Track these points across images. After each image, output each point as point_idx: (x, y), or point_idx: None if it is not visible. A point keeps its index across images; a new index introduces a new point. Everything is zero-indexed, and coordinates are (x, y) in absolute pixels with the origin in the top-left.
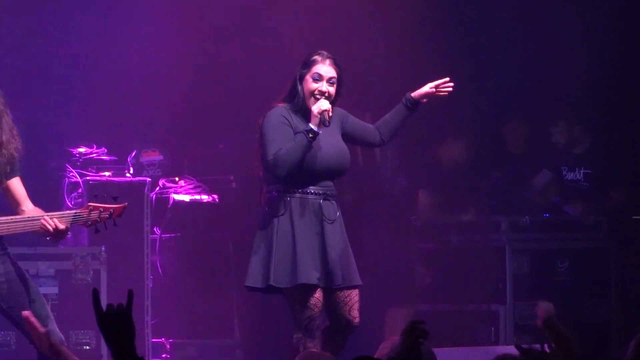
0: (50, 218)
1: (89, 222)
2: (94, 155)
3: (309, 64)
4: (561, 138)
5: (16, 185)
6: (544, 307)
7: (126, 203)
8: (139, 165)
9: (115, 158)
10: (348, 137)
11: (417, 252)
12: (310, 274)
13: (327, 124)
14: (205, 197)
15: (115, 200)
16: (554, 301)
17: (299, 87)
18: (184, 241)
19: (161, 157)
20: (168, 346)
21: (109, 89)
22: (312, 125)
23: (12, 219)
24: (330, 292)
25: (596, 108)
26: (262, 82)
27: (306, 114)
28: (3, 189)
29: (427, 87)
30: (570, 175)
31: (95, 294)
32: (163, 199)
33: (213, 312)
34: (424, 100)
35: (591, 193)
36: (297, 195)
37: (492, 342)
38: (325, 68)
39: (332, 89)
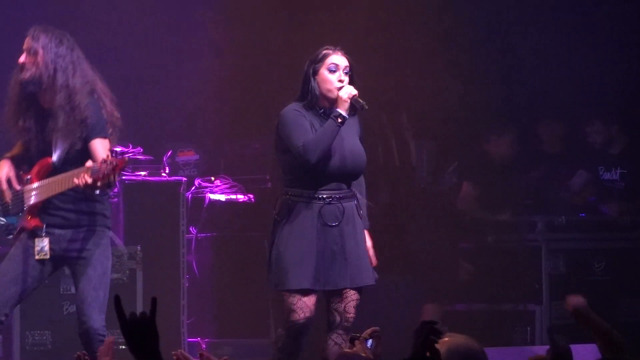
0: (79, 175)
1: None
2: (130, 154)
3: (321, 58)
4: (598, 138)
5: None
6: (575, 299)
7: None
8: (174, 164)
9: (151, 158)
10: None
11: (458, 251)
12: (299, 279)
13: (365, 107)
14: (241, 197)
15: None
16: (590, 301)
17: (313, 83)
18: (219, 241)
19: (197, 157)
20: (204, 345)
21: (145, 88)
22: (340, 110)
23: (48, 181)
24: (328, 292)
25: (633, 108)
26: (299, 81)
27: (320, 112)
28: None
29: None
30: (606, 175)
31: (118, 301)
32: (199, 199)
33: (248, 311)
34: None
35: (627, 193)
36: (301, 199)
37: (528, 343)
38: (339, 58)
39: (346, 79)
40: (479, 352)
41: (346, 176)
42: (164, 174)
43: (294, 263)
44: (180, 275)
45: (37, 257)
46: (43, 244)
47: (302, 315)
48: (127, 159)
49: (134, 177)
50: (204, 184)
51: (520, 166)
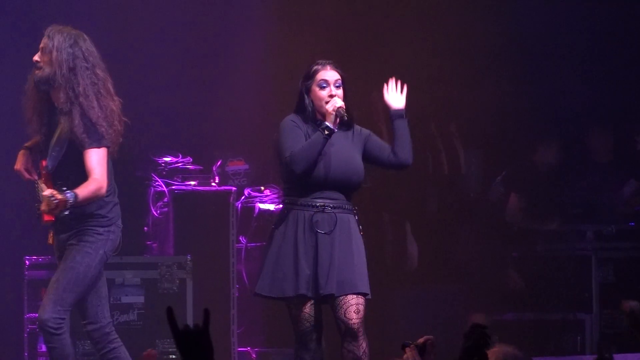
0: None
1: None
2: (180, 164)
3: (311, 75)
4: None
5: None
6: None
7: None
8: (224, 174)
9: (201, 167)
10: (369, 157)
11: (506, 260)
12: (290, 286)
13: (346, 118)
14: None
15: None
16: None
17: (307, 100)
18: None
19: (247, 166)
20: (254, 355)
21: (194, 98)
22: (327, 123)
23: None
24: (327, 301)
25: None
26: (371, 81)
27: (317, 123)
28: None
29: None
30: None
31: (170, 312)
32: (248, 208)
33: None
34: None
35: None
36: (295, 207)
37: (578, 352)
38: (328, 73)
39: (340, 92)
40: None
41: (340, 187)
42: (213, 184)
43: (287, 270)
44: (230, 284)
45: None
46: None
47: (303, 325)
48: (66, 202)
49: (183, 187)
50: (253, 194)
51: (569, 175)
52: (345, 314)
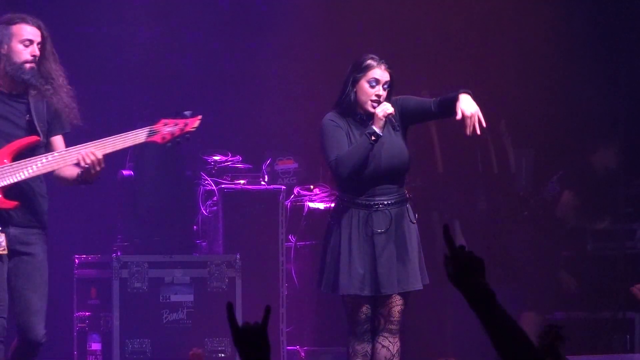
0: (85, 148)
1: (164, 137)
2: (229, 163)
3: (363, 69)
4: None
5: (58, 143)
6: None
7: (200, 115)
8: (273, 173)
9: (250, 166)
10: (412, 117)
11: (556, 259)
12: (350, 285)
13: (396, 127)
14: None
15: (189, 114)
16: None
17: (351, 92)
18: (319, 249)
19: (296, 165)
20: (303, 354)
21: (243, 96)
22: (375, 128)
23: (49, 155)
24: (378, 298)
25: None
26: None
27: (357, 118)
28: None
29: (460, 114)
30: None
31: (230, 308)
32: (298, 207)
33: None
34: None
35: None
36: (351, 205)
37: (627, 350)
38: (380, 72)
39: (384, 94)
40: None
41: (390, 178)
42: (263, 183)
43: (345, 269)
44: (280, 283)
45: None
46: (0, 239)
47: (359, 318)
48: (200, 117)
49: (233, 186)
50: (303, 193)
51: (621, 175)
52: (390, 312)
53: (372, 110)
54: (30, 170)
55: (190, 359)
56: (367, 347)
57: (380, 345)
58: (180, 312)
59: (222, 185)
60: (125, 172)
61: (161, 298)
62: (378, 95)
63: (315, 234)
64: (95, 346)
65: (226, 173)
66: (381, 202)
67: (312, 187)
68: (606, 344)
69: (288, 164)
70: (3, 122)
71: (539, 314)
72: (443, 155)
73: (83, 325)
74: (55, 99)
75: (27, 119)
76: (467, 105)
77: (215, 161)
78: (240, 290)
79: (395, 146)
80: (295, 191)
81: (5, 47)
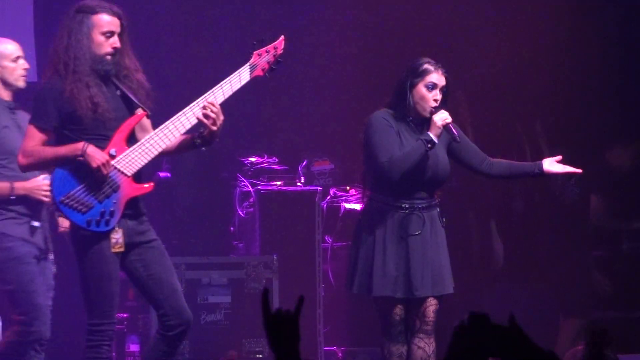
0: (205, 101)
1: (263, 68)
2: (265, 164)
3: (421, 73)
4: None
5: (148, 123)
6: None
7: (283, 35)
8: (309, 174)
9: (286, 167)
10: (452, 153)
11: (591, 259)
12: (383, 286)
13: (453, 138)
14: None
15: (271, 39)
16: None
17: (409, 95)
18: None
19: (332, 166)
20: (340, 354)
21: (279, 99)
22: (432, 135)
23: (163, 127)
24: (411, 299)
25: None
26: (457, 79)
27: (409, 122)
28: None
29: (561, 169)
30: None
31: (266, 294)
32: (334, 208)
33: None
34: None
35: None
36: (386, 207)
37: None
38: (438, 77)
39: (440, 97)
40: None
41: (429, 186)
42: (299, 184)
43: (379, 270)
44: (316, 284)
45: (113, 250)
46: (118, 236)
47: (394, 320)
48: (283, 36)
49: (269, 187)
50: (339, 194)
51: None
52: (424, 312)
53: (428, 116)
54: (159, 148)
55: None
56: (402, 349)
57: (416, 347)
58: (217, 313)
59: (259, 187)
60: (162, 174)
61: (199, 299)
62: (436, 100)
63: (351, 235)
64: (134, 347)
65: (262, 174)
66: (415, 205)
67: (348, 188)
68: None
69: (324, 165)
70: (106, 106)
71: (578, 317)
72: None
73: (121, 326)
74: (135, 83)
75: (119, 94)
76: (557, 168)
77: (252, 163)
78: (277, 291)
79: (440, 159)
80: (331, 192)
81: (85, 37)
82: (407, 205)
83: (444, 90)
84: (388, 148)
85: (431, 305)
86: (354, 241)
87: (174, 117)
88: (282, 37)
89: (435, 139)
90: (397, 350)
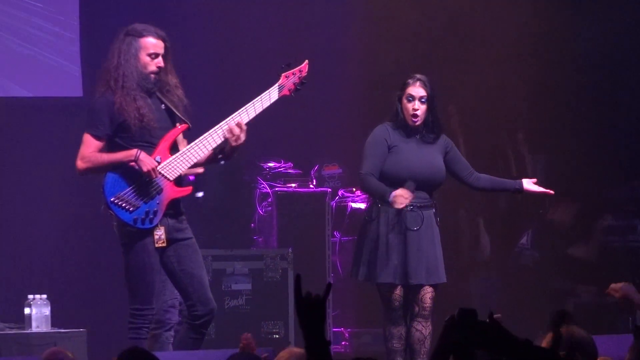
0: (227, 122)
1: (289, 89)
2: (282, 169)
3: (402, 87)
4: None
5: (182, 136)
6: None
7: (307, 60)
8: (321, 177)
9: (300, 171)
10: (445, 163)
11: (566, 254)
12: (386, 274)
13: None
14: None
15: (297, 62)
16: None
17: (399, 107)
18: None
19: (340, 170)
20: (347, 335)
21: (294, 112)
22: (390, 201)
23: (198, 141)
24: (410, 287)
25: None
26: (448, 94)
27: (405, 130)
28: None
29: (537, 189)
30: None
31: (298, 280)
32: (342, 207)
33: None
34: (529, 192)
35: None
36: (385, 206)
37: (630, 331)
38: (415, 89)
39: (423, 107)
40: (589, 340)
41: (425, 187)
42: (311, 186)
43: (382, 260)
44: (327, 273)
45: (157, 245)
46: (160, 232)
47: (394, 305)
48: (307, 61)
49: (285, 189)
50: (346, 194)
51: (623, 176)
52: (422, 299)
53: (414, 125)
54: (197, 156)
55: (242, 344)
56: (402, 330)
57: (415, 329)
58: (240, 299)
59: (276, 189)
60: (190, 178)
61: (223, 287)
62: (415, 109)
63: (357, 230)
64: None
65: (279, 178)
66: (414, 204)
67: (354, 189)
68: (611, 325)
69: (333, 170)
70: (152, 116)
71: (555, 302)
72: (469, 161)
73: None
74: (176, 98)
75: (163, 108)
76: (534, 188)
77: (270, 167)
78: (292, 280)
79: (435, 162)
80: (339, 193)
81: (133, 58)
82: (406, 205)
83: (425, 100)
84: (370, 162)
85: (427, 293)
86: (359, 235)
87: (211, 129)
88: (307, 61)
89: (391, 204)
90: (397, 332)
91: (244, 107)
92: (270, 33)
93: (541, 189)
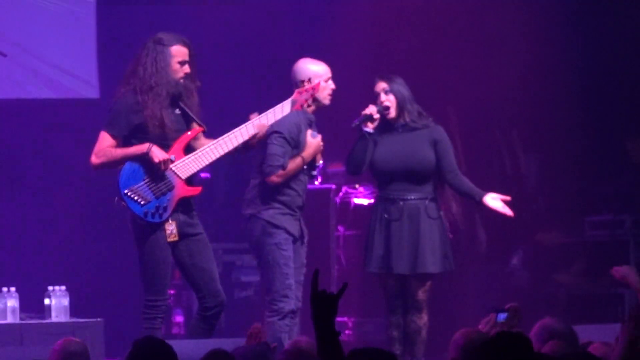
0: (252, 122)
1: (301, 104)
2: None
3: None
4: None
5: (201, 136)
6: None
7: (318, 81)
8: (326, 174)
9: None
10: (435, 154)
11: (557, 247)
12: (371, 264)
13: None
14: None
15: (310, 82)
16: None
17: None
18: (363, 237)
19: (344, 168)
20: (350, 324)
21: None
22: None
23: (216, 142)
24: (400, 277)
25: None
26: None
27: (386, 124)
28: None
29: (499, 207)
30: None
31: (316, 275)
32: (346, 202)
33: None
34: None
35: None
36: (377, 200)
37: (619, 320)
38: (378, 85)
39: (391, 97)
40: (567, 330)
41: (407, 178)
42: (316, 183)
43: (369, 250)
44: (331, 265)
45: (169, 240)
46: (172, 227)
47: (388, 294)
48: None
49: None
50: (350, 191)
51: (607, 174)
52: (414, 290)
53: (388, 118)
54: (210, 158)
55: (251, 332)
56: (400, 320)
57: (409, 321)
58: (248, 290)
59: None
60: (203, 175)
61: (233, 278)
62: (381, 102)
63: (360, 225)
64: (179, 318)
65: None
66: (399, 197)
67: (357, 185)
68: (601, 315)
69: (338, 167)
70: (170, 123)
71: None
72: (465, 159)
73: (169, 301)
74: (195, 101)
75: (178, 112)
76: (496, 205)
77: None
78: None
79: (416, 153)
80: (343, 189)
81: (166, 66)
82: (391, 197)
83: (389, 90)
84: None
85: (417, 284)
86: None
87: (225, 135)
88: (319, 82)
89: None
90: (395, 320)
91: (257, 117)
92: (270, 33)
93: (500, 209)
